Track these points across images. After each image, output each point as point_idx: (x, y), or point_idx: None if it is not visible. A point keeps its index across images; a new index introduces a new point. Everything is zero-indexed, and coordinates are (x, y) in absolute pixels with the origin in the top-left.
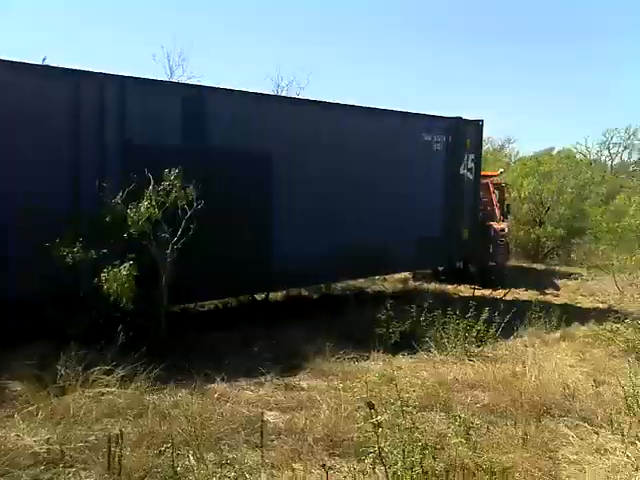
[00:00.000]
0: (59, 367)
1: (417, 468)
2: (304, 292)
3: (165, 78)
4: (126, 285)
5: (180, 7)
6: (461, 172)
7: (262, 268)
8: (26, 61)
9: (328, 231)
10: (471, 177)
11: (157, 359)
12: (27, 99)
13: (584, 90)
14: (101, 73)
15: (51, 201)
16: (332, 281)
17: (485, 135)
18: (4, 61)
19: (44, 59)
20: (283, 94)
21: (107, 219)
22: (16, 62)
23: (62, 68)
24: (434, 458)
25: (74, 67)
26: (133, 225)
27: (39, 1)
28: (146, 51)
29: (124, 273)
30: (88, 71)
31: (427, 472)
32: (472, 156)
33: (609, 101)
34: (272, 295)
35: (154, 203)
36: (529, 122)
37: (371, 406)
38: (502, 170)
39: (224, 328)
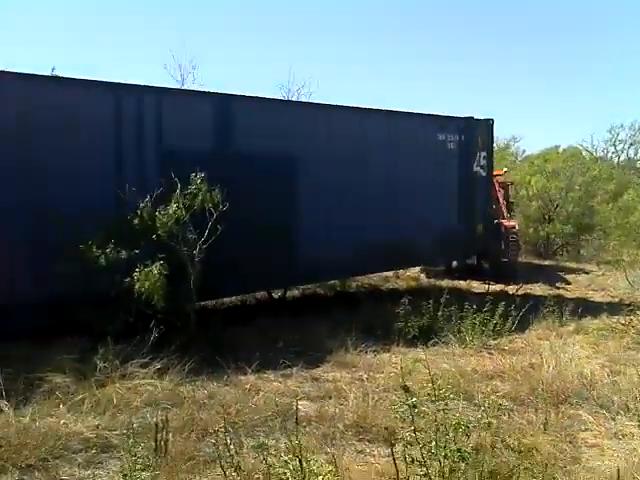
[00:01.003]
0: (97, 361)
1: (451, 445)
2: (319, 290)
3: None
4: (157, 284)
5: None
6: (474, 169)
7: (289, 262)
8: (70, 76)
9: (351, 228)
10: (483, 174)
11: (188, 353)
12: (71, 112)
13: (588, 87)
14: (139, 85)
15: (93, 207)
16: (353, 275)
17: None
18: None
19: (53, 69)
20: (294, 99)
21: (136, 222)
22: (61, 77)
23: (104, 81)
24: (467, 435)
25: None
26: (162, 227)
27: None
28: (152, 58)
29: (155, 272)
30: (128, 84)
31: (460, 449)
32: (484, 154)
33: (614, 97)
34: (289, 293)
35: (181, 206)
36: (534, 120)
37: (406, 389)
38: (506, 169)
39: (246, 324)
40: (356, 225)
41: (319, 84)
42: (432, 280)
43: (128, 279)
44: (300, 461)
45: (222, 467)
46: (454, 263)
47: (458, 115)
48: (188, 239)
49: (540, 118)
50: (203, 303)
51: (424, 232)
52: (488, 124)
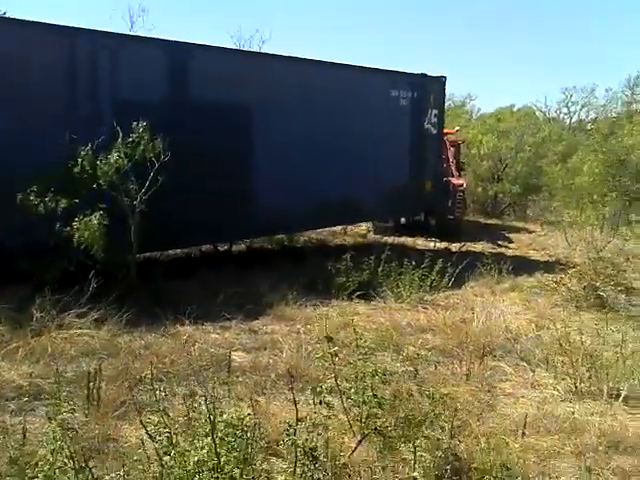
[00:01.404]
0: (35, 310)
1: (368, 392)
2: (266, 245)
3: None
4: (97, 234)
5: None
6: (425, 127)
7: (240, 217)
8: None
9: (303, 182)
10: (434, 132)
11: (127, 304)
12: (21, 56)
13: (545, 48)
14: (94, 30)
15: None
16: (307, 229)
17: (447, 92)
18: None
19: (4, 13)
20: (245, 48)
21: (76, 170)
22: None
23: (59, 25)
24: (383, 382)
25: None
26: (103, 176)
27: None
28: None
29: (95, 222)
30: (82, 28)
31: (376, 396)
32: (435, 111)
33: (569, 59)
34: (235, 247)
35: (122, 155)
36: (491, 79)
37: (329, 339)
38: (458, 128)
39: (190, 277)
40: (309, 179)
41: (271, 34)
42: (380, 236)
43: (67, 228)
44: (210, 408)
45: (139, 414)
46: (402, 220)
47: (411, 71)
48: (129, 189)
49: (496, 77)
50: (148, 255)
51: (374, 188)
52: (441, 81)
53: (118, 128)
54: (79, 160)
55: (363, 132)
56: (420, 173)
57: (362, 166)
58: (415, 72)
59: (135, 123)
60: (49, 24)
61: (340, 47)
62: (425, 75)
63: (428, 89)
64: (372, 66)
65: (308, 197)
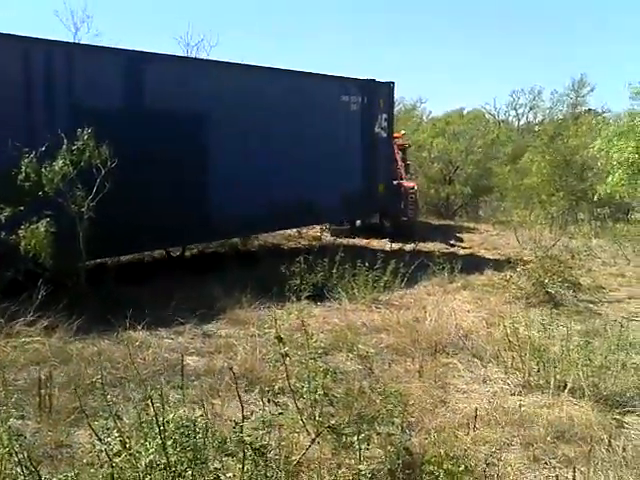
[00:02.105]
0: None
1: (320, 390)
2: (220, 249)
3: (71, 37)
4: (44, 241)
5: None
6: (376, 130)
7: (193, 221)
8: None
9: (258, 186)
10: (385, 135)
11: (78, 312)
12: None
13: (493, 50)
14: (49, 40)
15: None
16: (261, 232)
17: (397, 96)
18: None
19: None
20: (193, 54)
21: (20, 177)
22: None
23: (12, 34)
24: (334, 381)
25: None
26: (48, 183)
27: None
28: (41, 3)
29: (42, 230)
30: (37, 38)
31: (327, 394)
32: (385, 116)
33: (516, 62)
34: (188, 252)
35: (68, 162)
36: (441, 83)
37: (279, 339)
38: (404, 132)
39: (142, 282)
40: (263, 183)
41: (218, 38)
42: (334, 239)
43: (13, 236)
44: (160, 410)
45: (87, 418)
46: (358, 222)
47: (360, 77)
48: (76, 196)
49: (446, 81)
50: (99, 261)
51: (328, 190)
52: (389, 87)
53: (62, 135)
54: (23, 167)
55: (316, 136)
56: (372, 176)
57: (315, 169)
58: (364, 78)
59: (80, 130)
60: None
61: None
62: (374, 80)
63: (377, 94)
64: (323, 72)
65: (262, 201)
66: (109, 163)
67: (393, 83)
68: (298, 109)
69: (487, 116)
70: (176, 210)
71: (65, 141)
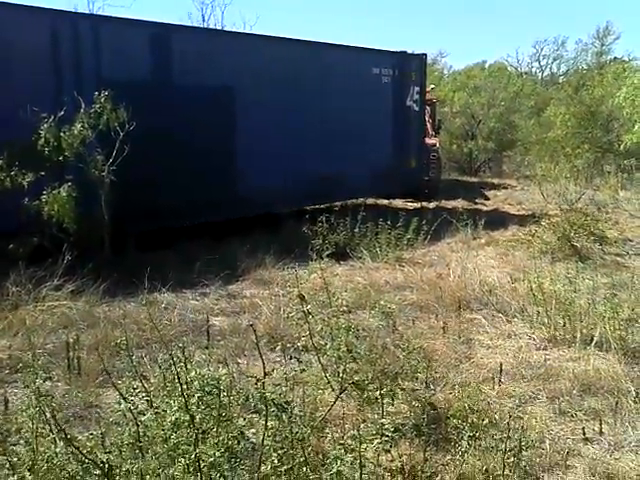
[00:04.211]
0: (10, 285)
1: (343, 347)
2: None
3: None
4: (67, 206)
5: None
6: (407, 104)
7: (221, 197)
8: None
9: (286, 162)
10: (417, 108)
11: (103, 276)
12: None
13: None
14: (74, 12)
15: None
16: (292, 208)
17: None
18: None
19: None
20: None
21: (40, 142)
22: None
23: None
24: (357, 338)
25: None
26: (68, 148)
27: None
28: None
29: (64, 194)
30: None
31: (351, 351)
32: (417, 88)
33: (540, 11)
34: None
35: (86, 125)
36: (462, 36)
37: (302, 298)
38: (433, 86)
39: (166, 247)
40: (293, 158)
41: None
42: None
43: (37, 202)
44: (184, 369)
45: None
46: None
47: (392, 49)
48: (96, 160)
49: (468, 33)
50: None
51: (359, 166)
52: (421, 59)
53: (80, 98)
54: (42, 133)
55: (347, 110)
56: (404, 150)
57: (346, 144)
58: (396, 50)
59: (97, 93)
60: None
61: (313, 22)
62: (405, 53)
63: (409, 67)
64: (354, 45)
65: (292, 176)
66: (127, 126)
67: (425, 55)
68: (328, 81)
69: (510, 69)
70: (208, 185)
71: (82, 105)
